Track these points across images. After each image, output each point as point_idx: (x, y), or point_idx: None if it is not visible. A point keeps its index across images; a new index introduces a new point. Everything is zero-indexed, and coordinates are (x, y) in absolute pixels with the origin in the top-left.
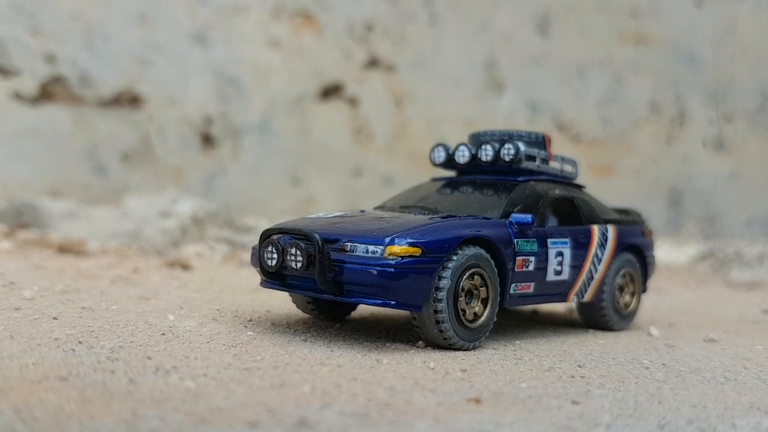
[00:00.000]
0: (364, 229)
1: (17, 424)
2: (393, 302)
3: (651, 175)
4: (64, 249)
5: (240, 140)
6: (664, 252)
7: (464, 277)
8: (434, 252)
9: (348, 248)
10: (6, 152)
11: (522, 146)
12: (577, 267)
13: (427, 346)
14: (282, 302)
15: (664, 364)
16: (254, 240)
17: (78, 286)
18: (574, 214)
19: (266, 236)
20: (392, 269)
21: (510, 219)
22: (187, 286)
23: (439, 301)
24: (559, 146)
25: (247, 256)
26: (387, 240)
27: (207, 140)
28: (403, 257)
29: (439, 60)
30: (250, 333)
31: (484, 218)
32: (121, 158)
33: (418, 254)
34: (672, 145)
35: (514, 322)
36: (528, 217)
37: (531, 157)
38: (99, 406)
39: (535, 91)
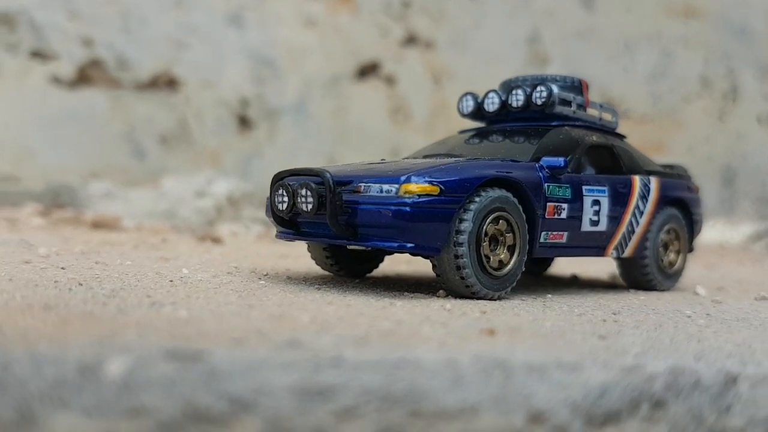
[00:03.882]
0: (380, 170)
1: None
2: (409, 245)
3: (703, 152)
4: (97, 225)
5: (276, 122)
6: (717, 231)
7: (488, 220)
8: (454, 191)
9: (362, 189)
10: (45, 136)
11: (555, 88)
12: (615, 218)
13: (448, 295)
14: (306, 263)
15: (708, 314)
16: None
17: (99, 249)
18: (614, 163)
19: (277, 179)
20: (408, 208)
21: (541, 162)
22: (211, 251)
23: (460, 245)
24: None
25: None
26: (403, 178)
27: (243, 122)
28: (420, 196)
29: (479, 35)
30: (262, 282)
31: (513, 161)
32: (159, 141)
33: (437, 193)
34: (725, 121)
35: (550, 283)
36: (560, 160)
37: (566, 102)
38: (77, 328)
39: (580, 66)
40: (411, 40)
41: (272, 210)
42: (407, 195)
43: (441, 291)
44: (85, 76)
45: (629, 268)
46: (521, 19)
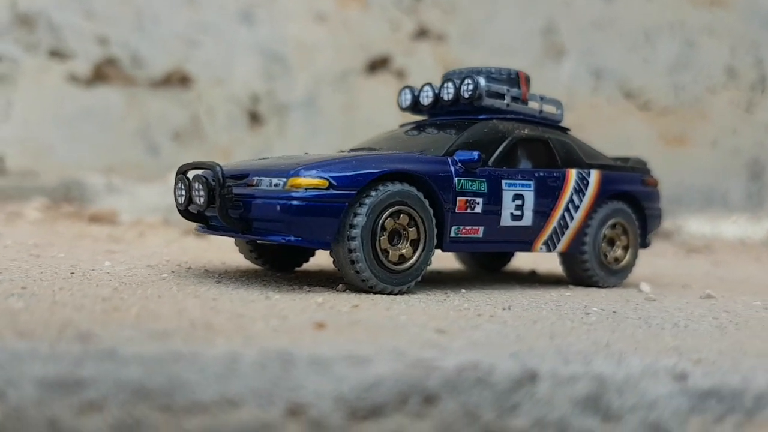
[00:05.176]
0: (275, 164)
1: None
2: (297, 239)
3: (729, 145)
4: (94, 219)
5: (286, 117)
6: (739, 227)
7: (385, 215)
8: (344, 186)
9: (255, 182)
10: (63, 133)
11: (482, 81)
12: (542, 213)
13: (347, 289)
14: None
15: (614, 312)
16: None
17: (56, 242)
18: (549, 157)
19: (178, 173)
20: (294, 202)
21: (454, 156)
22: (172, 246)
23: (353, 239)
24: (626, 115)
25: None
26: (291, 172)
27: (254, 118)
28: (307, 190)
29: (492, 28)
30: (165, 275)
31: (422, 154)
32: (172, 137)
33: (325, 187)
34: (752, 112)
35: (492, 278)
36: (473, 154)
37: (498, 95)
38: None
39: (598, 57)
40: (422, 33)
41: (176, 204)
42: (294, 189)
43: (341, 285)
44: (101, 74)
45: (569, 264)
46: (536, 10)
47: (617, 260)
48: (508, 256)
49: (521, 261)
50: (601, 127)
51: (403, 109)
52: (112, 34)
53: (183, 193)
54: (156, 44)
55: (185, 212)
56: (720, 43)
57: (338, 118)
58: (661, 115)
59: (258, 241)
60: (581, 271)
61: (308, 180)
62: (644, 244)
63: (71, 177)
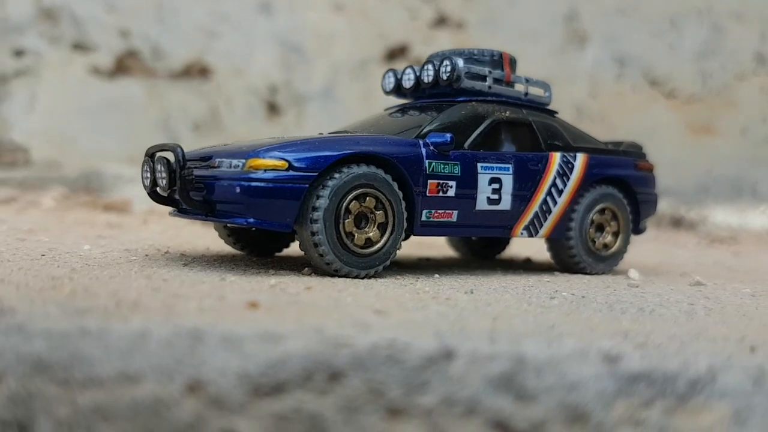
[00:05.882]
0: (241, 146)
1: None
2: (254, 220)
3: (759, 134)
4: (108, 208)
5: (304, 108)
6: None
7: (349, 197)
8: (305, 168)
9: (216, 164)
10: (86, 125)
11: (461, 62)
12: (522, 197)
13: (312, 273)
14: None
15: (582, 297)
16: None
17: (51, 227)
18: (532, 140)
19: (145, 155)
20: (253, 183)
21: (426, 139)
22: (167, 232)
23: (315, 221)
24: (652, 103)
25: None
26: (251, 154)
27: (272, 109)
28: (266, 171)
29: (512, 14)
30: (134, 258)
31: (393, 137)
32: (191, 128)
33: (284, 169)
34: None
35: (476, 265)
36: (445, 137)
37: (480, 77)
38: None
39: (622, 43)
40: (441, 21)
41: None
42: (253, 170)
43: (306, 269)
44: (123, 66)
45: (555, 250)
46: None
47: (606, 246)
48: (503, 243)
49: (519, 248)
50: (626, 116)
51: (387, 93)
52: (133, 27)
53: (148, 175)
54: (176, 36)
55: (153, 194)
56: (749, 28)
57: (357, 107)
58: (688, 103)
59: (228, 225)
60: (567, 257)
61: (267, 161)
62: (637, 231)
63: (92, 167)
